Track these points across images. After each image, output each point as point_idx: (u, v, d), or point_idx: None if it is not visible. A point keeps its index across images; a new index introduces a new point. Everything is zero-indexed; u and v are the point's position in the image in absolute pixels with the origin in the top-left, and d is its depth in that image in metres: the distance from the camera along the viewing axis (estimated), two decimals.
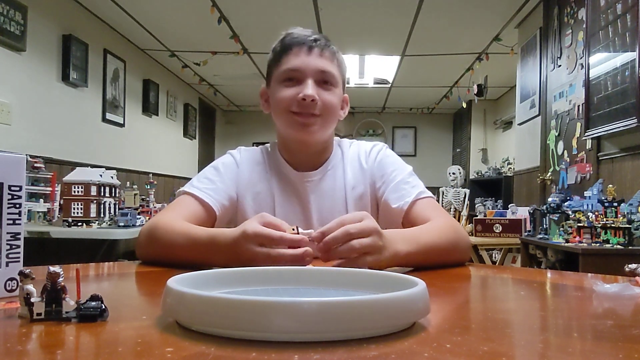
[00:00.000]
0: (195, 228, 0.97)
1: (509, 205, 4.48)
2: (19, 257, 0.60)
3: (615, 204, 2.35)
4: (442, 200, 6.32)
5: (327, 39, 1.15)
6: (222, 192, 1.13)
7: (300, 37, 1.12)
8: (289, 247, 0.78)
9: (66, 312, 0.49)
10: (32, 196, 2.90)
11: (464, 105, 6.74)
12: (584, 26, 3.08)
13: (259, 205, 1.16)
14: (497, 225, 4.27)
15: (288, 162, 1.19)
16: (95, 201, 2.62)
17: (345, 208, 1.17)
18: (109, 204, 2.75)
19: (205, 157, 7.55)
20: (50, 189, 2.91)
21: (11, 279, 0.59)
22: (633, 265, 0.78)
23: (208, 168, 1.19)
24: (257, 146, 1.28)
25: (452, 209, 6.22)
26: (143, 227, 1.04)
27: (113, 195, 2.79)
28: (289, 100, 1.10)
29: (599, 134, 2.89)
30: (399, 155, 1.25)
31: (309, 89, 1.08)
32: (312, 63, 1.10)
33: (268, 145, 1.26)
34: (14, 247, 0.60)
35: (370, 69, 6.03)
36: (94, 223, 2.59)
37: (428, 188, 1.17)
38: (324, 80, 1.11)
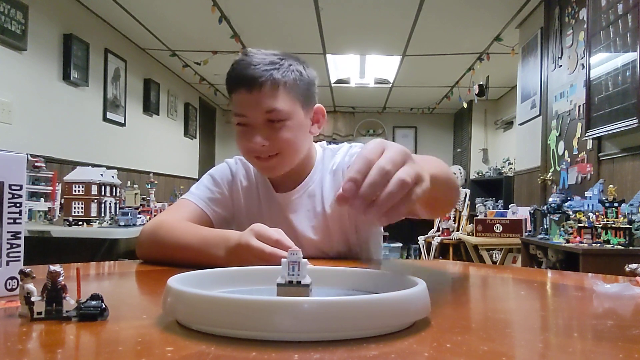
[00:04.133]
0: (203, 227, 1.03)
1: (510, 206, 4.48)
2: (19, 256, 0.60)
3: (615, 204, 2.35)
4: None
5: (275, 61, 1.05)
6: (218, 201, 1.18)
7: (240, 75, 1.04)
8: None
9: (66, 311, 0.49)
10: (33, 195, 2.91)
11: (465, 105, 6.73)
12: (585, 26, 3.08)
13: (251, 220, 1.17)
14: (498, 225, 4.27)
15: (271, 180, 1.21)
16: (95, 200, 2.62)
17: (326, 225, 1.16)
18: (110, 204, 2.75)
19: (206, 157, 7.55)
20: (50, 188, 2.91)
21: (12, 278, 0.59)
22: (633, 265, 0.78)
23: (206, 176, 1.23)
24: None
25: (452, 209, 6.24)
26: (144, 227, 1.05)
27: (114, 194, 2.79)
28: (245, 148, 1.10)
29: (600, 134, 2.88)
30: None
31: (256, 137, 1.05)
32: (254, 107, 1.04)
33: None
34: (14, 246, 0.60)
35: (370, 68, 6.02)
36: (95, 222, 2.59)
37: None
38: (272, 120, 1.05)
